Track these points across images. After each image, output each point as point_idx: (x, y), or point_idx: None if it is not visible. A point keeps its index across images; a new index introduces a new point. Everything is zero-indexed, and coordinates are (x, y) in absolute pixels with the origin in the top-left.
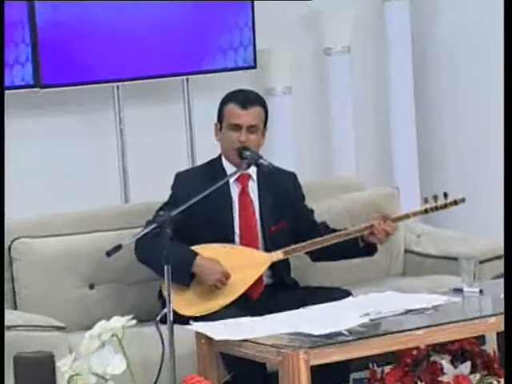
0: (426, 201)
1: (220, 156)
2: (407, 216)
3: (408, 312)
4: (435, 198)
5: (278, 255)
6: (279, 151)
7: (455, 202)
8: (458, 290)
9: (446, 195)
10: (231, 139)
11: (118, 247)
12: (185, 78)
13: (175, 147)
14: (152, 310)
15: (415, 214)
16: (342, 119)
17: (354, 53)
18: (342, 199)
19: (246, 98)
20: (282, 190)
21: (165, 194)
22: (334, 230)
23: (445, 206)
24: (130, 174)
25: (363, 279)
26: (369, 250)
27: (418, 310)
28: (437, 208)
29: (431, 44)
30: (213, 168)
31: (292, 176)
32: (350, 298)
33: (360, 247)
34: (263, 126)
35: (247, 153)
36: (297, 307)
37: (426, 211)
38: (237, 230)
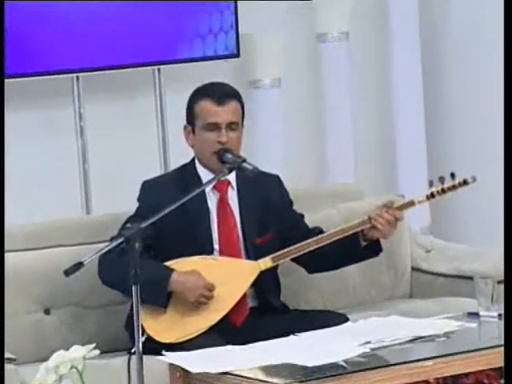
0: (430, 184)
1: (193, 160)
2: (412, 203)
3: (415, 340)
4: (441, 179)
5: (266, 263)
6: (266, 153)
7: (465, 182)
8: (474, 315)
9: (453, 176)
10: (209, 141)
11: (79, 265)
12: (156, 68)
13: (145, 149)
14: (117, 339)
15: (421, 200)
16: (339, 116)
17: (352, 39)
18: (339, 209)
19: (220, 92)
20: (265, 196)
21: (133, 204)
22: None
23: (453, 187)
24: (92, 181)
25: (363, 302)
26: (372, 248)
27: (426, 337)
28: (444, 191)
29: (442, 30)
30: (185, 175)
31: (276, 179)
32: (349, 323)
33: (362, 247)
34: (241, 124)
35: (229, 155)
36: (286, 334)
37: (432, 195)
38: (216, 246)
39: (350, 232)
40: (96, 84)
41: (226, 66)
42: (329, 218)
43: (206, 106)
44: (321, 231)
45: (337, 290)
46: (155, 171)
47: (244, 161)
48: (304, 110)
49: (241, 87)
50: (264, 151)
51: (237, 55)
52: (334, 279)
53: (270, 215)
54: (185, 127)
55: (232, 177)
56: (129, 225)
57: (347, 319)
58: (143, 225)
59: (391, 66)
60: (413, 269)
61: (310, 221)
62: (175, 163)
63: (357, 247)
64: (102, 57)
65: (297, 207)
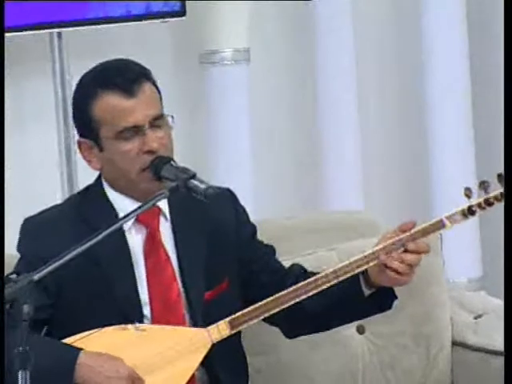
0: (468, 194)
1: (99, 180)
2: (440, 225)
3: None
4: (484, 185)
5: (220, 330)
6: (226, 165)
7: None
8: None
9: (501, 178)
10: (132, 155)
11: None
12: (55, 31)
13: (39, 155)
14: None
15: (453, 219)
16: (340, 107)
17: None
18: (340, 250)
19: (125, 75)
20: (215, 224)
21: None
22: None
23: (502, 196)
24: None
25: None
26: (381, 300)
27: None
28: (489, 203)
29: None
30: (90, 204)
31: (226, 195)
32: None
33: (365, 297)
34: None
35: (169, 168)
36: None
37: (471, 212)
38: (146, 310)
39: (349, 275)
40: None
41: (166, 30)
42: (323, 263)
43: (110, 102)
44: (302, 270)
45: (338, 376)
46: (54, 190)
47: (192, 176)
48: (285, 97)
49: (188, 62)
50: (223, 161)
51: (182, 13)
52: (332, 358)
53: (224, 251)
54: (81, 143)
55: (163, 201)
56: (13, 276)
57: None
58: (36, 276)
59: (422, 30)
60: (454, 343)
61: None
62: (86, 177)
63: (358, 298)
64: None
65: (276, 247)
